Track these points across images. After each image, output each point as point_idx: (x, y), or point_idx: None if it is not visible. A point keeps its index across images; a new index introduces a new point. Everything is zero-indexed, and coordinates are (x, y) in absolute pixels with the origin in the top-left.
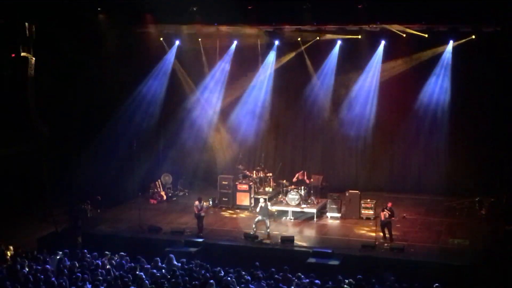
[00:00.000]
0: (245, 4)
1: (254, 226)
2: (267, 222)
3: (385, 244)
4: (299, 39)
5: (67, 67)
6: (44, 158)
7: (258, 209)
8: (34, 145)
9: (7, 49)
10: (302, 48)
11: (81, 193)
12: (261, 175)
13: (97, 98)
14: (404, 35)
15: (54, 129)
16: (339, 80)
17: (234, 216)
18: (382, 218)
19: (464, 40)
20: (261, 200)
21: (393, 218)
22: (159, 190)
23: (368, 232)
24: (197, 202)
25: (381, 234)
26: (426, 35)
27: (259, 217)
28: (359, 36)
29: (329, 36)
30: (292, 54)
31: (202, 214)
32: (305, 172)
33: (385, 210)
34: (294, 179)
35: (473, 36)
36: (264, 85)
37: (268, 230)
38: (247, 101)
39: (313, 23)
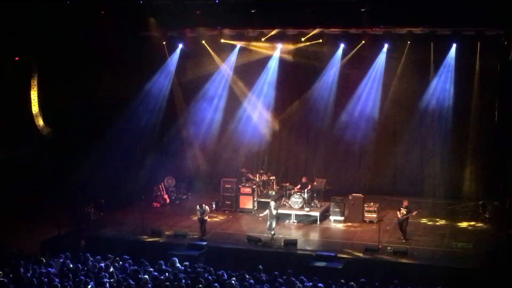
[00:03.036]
0: (249, 7)
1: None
2: (273, 223)
3: (388, 248)
4: (302, 39)
5: (70, 70)
6: (46, 161)
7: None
8: (38, 147)
9: (10, 51)
10: (305, 51)
11: (85, 196)
12: (264, 178)
13: (100, 101)
14: (407, 39)
15: (57, 131)
16: (342, 83)
17: (237, 219)
18: (399, 216)
19: (467, 44)
20: (272, 203)
21: (411, 214)
22: (162, 193)
23: (372, 235)
24: (198, 207)
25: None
26: (430, 40)
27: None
28: (362, 40)
29: (332, 39)
30: (296, 57)
31: (205, 218)
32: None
33: (402, 208)
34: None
35: (478, 42)
36: (268, 88)
37: (272, 232)
38: (250, 104)
39: (316, 27)
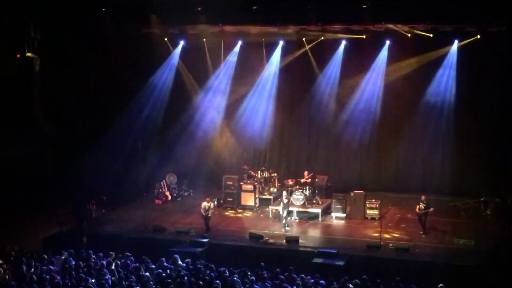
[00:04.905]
0: (250, 4)
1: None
2: (285, 213)
3: (390, 245)
4: (303, 38)
5: (72, 67)
6: (48, 158)
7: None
8: (40, 145)
9: (12, 49)
10: (307, 47)
11: (86, 193)
12: (266, 175)
13: (102, 99)
14: (409, 35)
15: (60, 129)
16: (344, 80)
17: (239, 216)
18: (418, 210)
19: (469, 40)
20: (284, 193)
21: (430, 209)
22: (164, 190)
23: (374, 232)
24: (204, 203)
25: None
26: (431, 35)
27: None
28: (364, 36)
29: (333, 35)
30: (297, 54)
31: (209, 214)
32: (308, 172)
33: (420, 203)
34: (303, 180)
35: (478, 36)
36: (269, 85)
37: (284, 222)
38: (252, 101)
39: (317, 24)
